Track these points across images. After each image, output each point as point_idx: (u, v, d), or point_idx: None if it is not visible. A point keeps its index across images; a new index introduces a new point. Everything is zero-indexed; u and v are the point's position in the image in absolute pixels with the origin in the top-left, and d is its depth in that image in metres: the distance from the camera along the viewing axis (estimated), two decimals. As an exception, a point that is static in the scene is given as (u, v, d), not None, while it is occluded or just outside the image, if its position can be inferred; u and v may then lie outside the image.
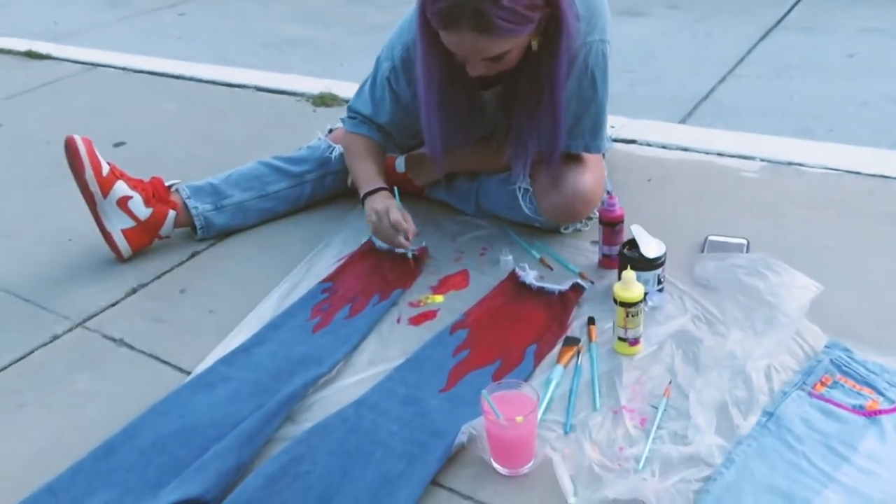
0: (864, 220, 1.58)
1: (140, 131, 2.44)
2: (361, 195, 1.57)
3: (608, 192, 1.53)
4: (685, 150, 1.96)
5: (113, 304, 1.58)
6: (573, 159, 1.55)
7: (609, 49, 1.42)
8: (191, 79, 2.92)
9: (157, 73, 3.03)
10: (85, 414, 1.28)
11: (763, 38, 3.18)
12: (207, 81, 2.88)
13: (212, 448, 1.12)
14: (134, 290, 1.62)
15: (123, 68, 3.13)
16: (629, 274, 1.23)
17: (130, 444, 1.17)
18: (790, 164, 1.83)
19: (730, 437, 1.07)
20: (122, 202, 1.64)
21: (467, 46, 1.26)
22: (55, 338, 1.50)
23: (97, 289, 1.63)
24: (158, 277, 1.66)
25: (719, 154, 1.91)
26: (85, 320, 1.54)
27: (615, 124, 2.09)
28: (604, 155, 1.67)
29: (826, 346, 1.21)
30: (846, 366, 1.16)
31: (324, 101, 2.53)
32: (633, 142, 2.03)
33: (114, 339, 1.47)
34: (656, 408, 1.15)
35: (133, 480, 1.11)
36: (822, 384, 1.15)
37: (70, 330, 1.51)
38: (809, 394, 1.13)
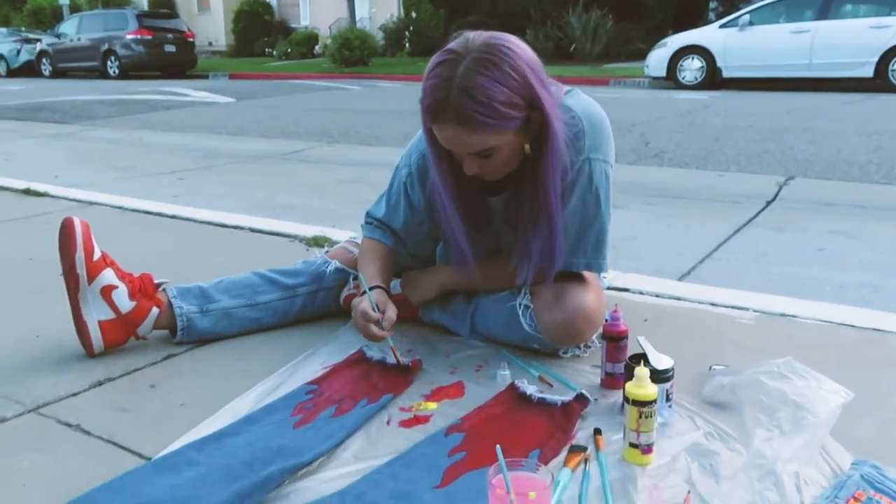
0: (869, 363, 1.55)
1: (129, 258, 2.40)
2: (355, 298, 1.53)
3: (614, 307, 1.50)
4: (678, 299, 1.97)
5: (74, 394, 1.45)
6: (575, 278, 1.54)
7: (612, 171, 1.48)
8: (186, 219, 2.96)
9: (153, 212, 3.07)
10: (24, 492, 1.12)
11: (737, 231, 3.36)
12: (202, 222, 2.91)
13: (170, 522, 0.96)
14: (100, 383, 1.50)
15: (119, 207, 3.17)
16: (643, 371, 1.17)
17: (72, 520, 1.00)
18: (783, 315, 1.84)
19: (764, 544, 0.95)
20: (106, 291, 1.57)
21: (452, 139, 1.33)
22: (2, 420, 1.35)
23: (59, 379, 1.51)
24: (128, 374, 1.54)
25: (713, 304, 1.93)
26: (39, 406, 1.40)
27: (606, 275, 2.12)
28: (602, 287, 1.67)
29: (854, 464, 1.12)
30: (879, 482, 1.07)
31: (318, 242, 2.55)
32: (625, 290, 2.05)
33: (69, 425, 1.33)
34: (677, 515, 1.03)
35: (68, 557, 0.93)
36: (856, 500, 1.05)
37: (20, 414, 1.37)
38: (843, 507, 1.03)
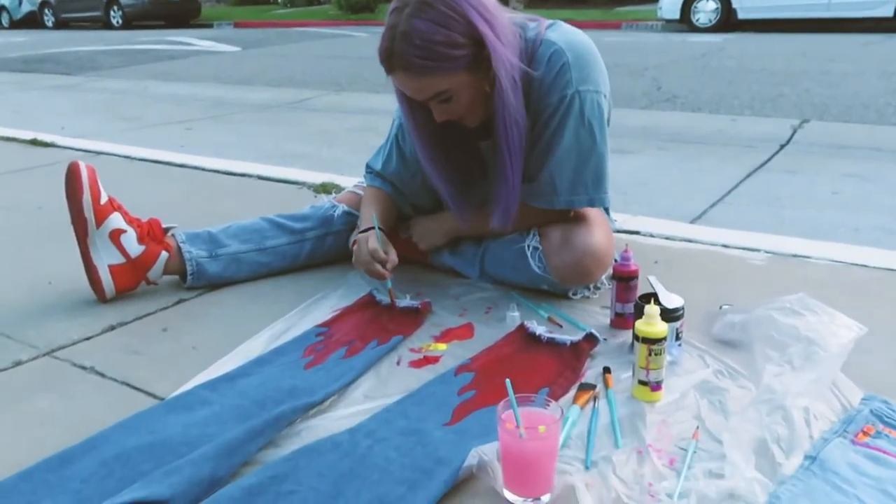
0: (881, 301, 1.54)
1: (138, 206, 2.39)
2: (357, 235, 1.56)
3: (624, 247, 1.49)
4: (689, 241, 1.96)
5: (87, 338, 1.46)
6: (580, 218, 1.53)
7: (605, 101, 1.45)
8: (194, 167, 2.94)
9: (160, 161, 3.06)
10: (42, 431, 1.14)
11: (749, 175, 3.31)
12: (210, 170, 2.90)
13: (186, 457, 0.98)
14: (112, 328, 1.51)
15: (127, 156, 3.16)
16: (653, 309, 1.16)
17: (90, 455, 1.02)
18: (795, 255, 1.82)
19: (770, 475, 0.96)
20: (115, 235, 1.57)
21: (405, 86, 1.36)
22: (18, 363, 1.37)
23: (72, 324, 1.52)
24: (140, 318, 1.56)
25: (724, 246, 1.91)
26: (54, 350, 1.41)
27: (615, 218, 2.10)
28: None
29: (864, 399, 1.12)
30: (888, 416, 1.08)
31: (326, 189, 2.54)
32: (636, 233, 2.03)
33: (83, 367, 1.34)
34: (685, 449, 1.03)
35: (88, 490, 0.96)
36: (865, 434, 1.05)
37: (35, 358, 1.39)
38: (852, 441, 1.03)
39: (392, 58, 1.31)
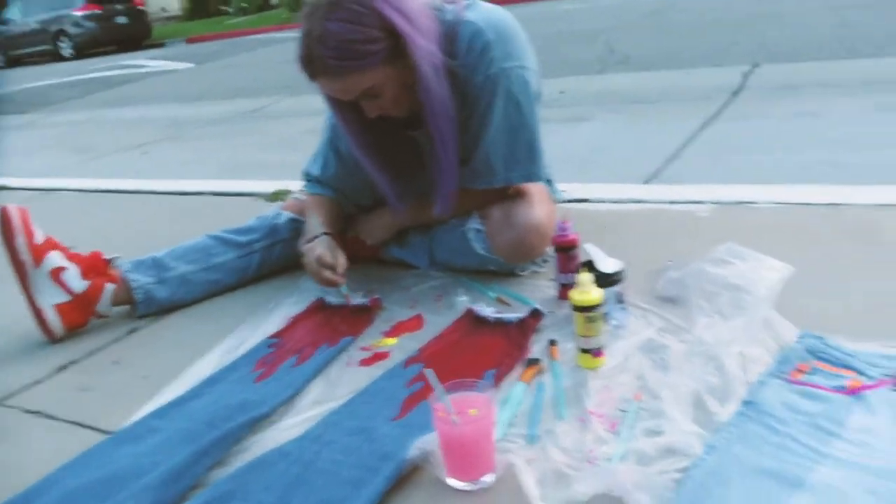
0: (819, 239, 1.56)
1: (90, 237, 2.38)
2: (305, 245, 1.53)
3: (562, 218, 1.49)
4: (638, 202, 1.96)
5: (38, 382, 1.45)
6: (520, 194, 1.53)
7: (531, 75, 1.45)
8: (148, 192, 2.92)
9: (113, 190, 3.03)
10: (-7, 481, 1.13)
11: (703, 128, 3.32)
12: (164, 193, 2.88)
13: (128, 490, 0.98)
14: (63, 367, 1.50)
15: (79, 190, 3.13)
16: (585, 276, 1.17)
17: (34, 502, 1.01)
18: (740, 202, 1.83)
19: (707, 426, 0.97)
20: (56, 273, 1.55)
21: (329, 89, 1.36)
22: (-30, 415, 1.35)
23: (22, 368, 1.51)
24: (92, 354, 1.55)
25: (671, 202, 1.92)
26: (3, 398, 1.40)
27: (565, 188, 2.10)
28: (555, 200, 1.66)
29: (799, 337, 1.13)
30: (822, 352, 1.09)
31: (278, 196, 2.53)
32: (585, 200, 2.04)
33: (33, 412, 1.33)
34: (627, 411, 1.04)
35: (35, 536, 0.95)
36: (800, 371, 1.06)
37: (-13, 407, 1.38)
38: (788, 380, 1.04)
39: (312, 64, 1.31)
